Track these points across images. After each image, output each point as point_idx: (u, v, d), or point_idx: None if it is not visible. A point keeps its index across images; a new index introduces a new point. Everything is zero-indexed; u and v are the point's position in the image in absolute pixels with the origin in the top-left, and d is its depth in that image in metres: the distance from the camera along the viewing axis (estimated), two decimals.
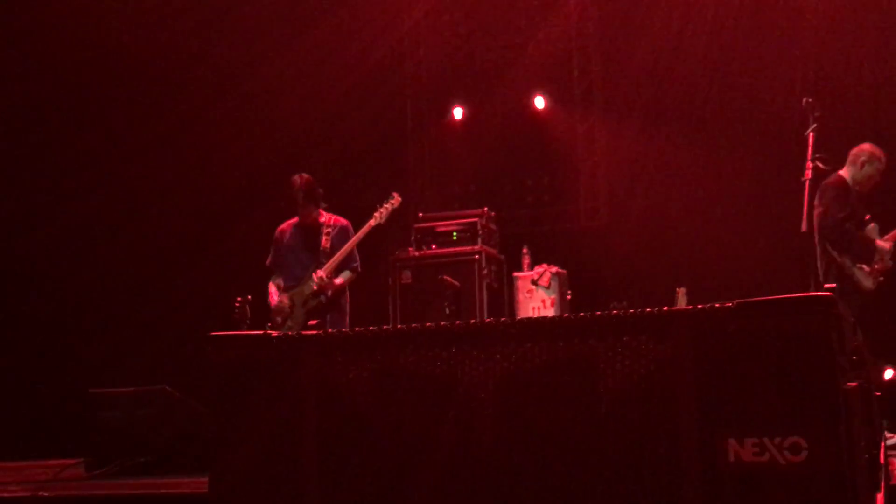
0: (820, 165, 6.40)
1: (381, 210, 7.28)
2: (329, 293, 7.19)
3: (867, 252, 6.95)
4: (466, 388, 3.34)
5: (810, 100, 6.63)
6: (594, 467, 3.24)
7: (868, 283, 6.90)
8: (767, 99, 9.42)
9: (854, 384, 3.23)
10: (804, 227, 6.14)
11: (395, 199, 7.35)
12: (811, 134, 6.51)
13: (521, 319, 3.38)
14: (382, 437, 3.41)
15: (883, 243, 7.00)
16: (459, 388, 3.35)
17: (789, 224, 6.27)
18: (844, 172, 7.16)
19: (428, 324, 3.47)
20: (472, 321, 3.44)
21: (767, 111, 9.36)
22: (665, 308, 3.28)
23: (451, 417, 3.36)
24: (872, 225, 7.07)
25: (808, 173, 6.35)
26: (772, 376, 3.10)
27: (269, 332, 3.62)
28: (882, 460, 3.79)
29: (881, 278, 6.94)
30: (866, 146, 7.20)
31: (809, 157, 6.41)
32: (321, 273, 7.08)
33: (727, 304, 3.19)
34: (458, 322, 3.40)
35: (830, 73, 9.24)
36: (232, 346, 3.55)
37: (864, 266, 6.89)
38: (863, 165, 7.12)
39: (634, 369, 3.23)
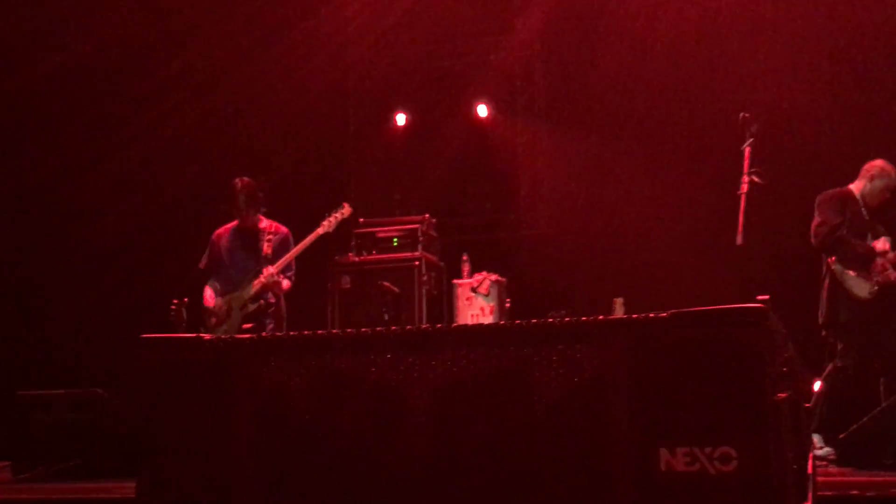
0: (755, 179, 6.46)
1: (330, 219, 7.25)
2: (274, 293, 7.13)
3: (862, 259, 6.87)
4: (401, 395, 3.32)
5: (747, 115, 6.71)
6: (527, 475, 3.24)
7: (861, 291, 6.81)
8: (707, 112, 9.54)
9: (784, 395, 3.28)
10: (739, 239, 6.20)
11: (346, 209, 7.32)
12: (748, 148, 6.59)
13: (458, 326, 3.36)
14: (316, 443, 3.38)
15: (881, 244, 6.88)
16: (394, 394, 3.33)
17: (727, 237, 6.33)
18: (855, 186, 7.17)
19: (364, 329, 3.46)
20: (409, 327, 3.42)
21: (707, 125, 9.48)
22: (600, 317, 3.30)
23: (386, 424, 3.34)
24: (884, 238, 6.95)
25: (745, 187, 6.42)
26: (704, 386, 3.13)
27: (201, 334, 3.55)
28: (810, 470, 3.85)
29: (876, 288, 6.79)
30: (878, 161, 7.19)
31: (746, 170, 6.49)
32: (272, 269, 7.01)
33: (661, 314, 3.22)
34: (394, 328, 3.38)
35: (770, 88, 9.38)
36: (163, 348, 3.49)
37: (850, 271, 6.82)
38: (872, 179, 7.11)
39: (569, 378, 3.24)
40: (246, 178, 7.26)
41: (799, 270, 8.59)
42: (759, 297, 5.20)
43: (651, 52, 9.97)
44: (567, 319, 3.29)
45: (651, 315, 3.23)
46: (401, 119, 11.46)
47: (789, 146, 9.05)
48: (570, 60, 10.75)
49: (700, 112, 9.66)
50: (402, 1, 11.21)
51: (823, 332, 7.10)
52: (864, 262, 6.87)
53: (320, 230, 7.21)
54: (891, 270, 6.85)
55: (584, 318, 3.28)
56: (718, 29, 9.76)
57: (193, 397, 3.46)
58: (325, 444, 3.38)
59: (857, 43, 9.26)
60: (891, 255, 6.88)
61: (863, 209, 7.12)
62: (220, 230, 7.49)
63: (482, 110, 11.13)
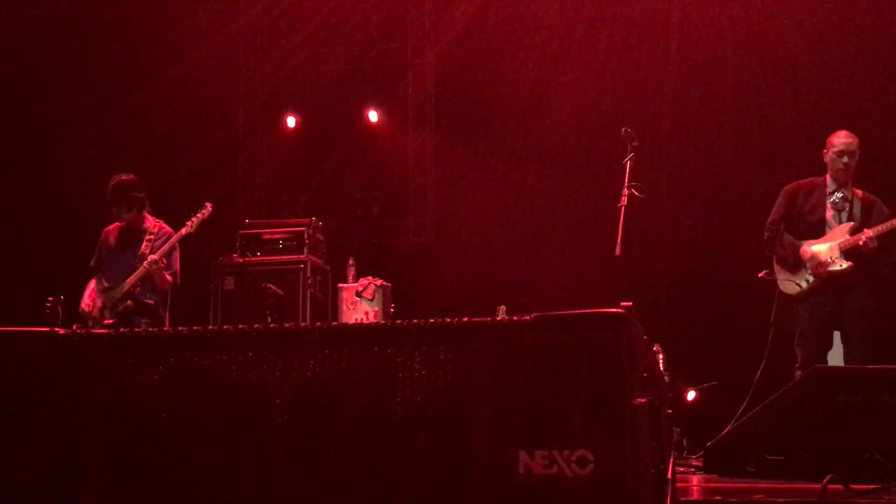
0: (635, 193, 6.58)
1: (193, 220, 7.28)
2: (158, 282, 7.04)
3: (790, 260, 6.91)
4: (261, 393, 3.26)
5: (629, 129, 6.84)
6: (387, 476, 3.21)
7: (788, 289, 6.88)
8: (591, 127, 9.70)
9: (643, 400, 3.32)
10: (618, 250, 6.31)
11: (207, 209, 7.36)
12: (628, 162, 6.72)
13: (321, 325, 3.32)
14: (170, 443, 3.28)
15: (807, 249, 6.81)
16: (254, 392, 3.26)
17: (608, 248, 6.44)
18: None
19: (225, 326, 3.38)
20: (271, 325, 3.36)
21: (591, 139, 9.65)
22: (465, 319, 3.29)
23: (245, 423, 3.27)
24: (846, 224, 6.86)
25: (624, 199, 6.54)
26: (563, 390, 3.14)
27: (55, 329, 3.42)
28: (669, 475, 3.90)
29: (805, 285, 6.79)
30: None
31: (626, 184, 6.61)
32: (155, 256, 6.97)
33: (525, 317, 3.22)
34: (255, 325, 3.31)
35: (653, 104, 9.59)
36: (10, 342, 3.34)
37: (779, 270, 6.92)
38: (825, 157, 7.06)
39: (432, 379, 3.22)
40: (123, 176, 7.19)
41: (674, 281, 8.81)
42: (622, 304, 5.29)
43: (539, 67, 10.13)
44: (431, 320, 3.27)
45: (515, 318, 3.24)
46: (291, 121, 11.35)
47: (669, 160, 9.28)
48: (461, 71, 10.83)
49: (584, 126, 9.82)
50: (295, 3, 11.15)
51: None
52: (792, 262, 6.92)
53: (183, 231, 7.21)
54: (836, 262, 6.74)
55: (447, 320, 3.26)
56: (603, 46, 9.94)
57: (43, 394, 3.32)
58: (181, 443, 3.28)
59: (737, 60, 9.53)
60: (863, 236, 6.74)
61: (834, 194, 6.98)
62: (110, 227, 7.47)
63: (373, 116, 11.10)
